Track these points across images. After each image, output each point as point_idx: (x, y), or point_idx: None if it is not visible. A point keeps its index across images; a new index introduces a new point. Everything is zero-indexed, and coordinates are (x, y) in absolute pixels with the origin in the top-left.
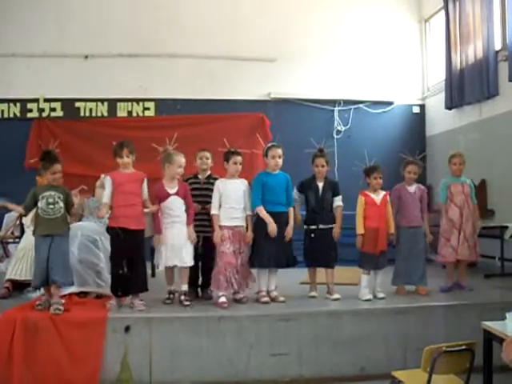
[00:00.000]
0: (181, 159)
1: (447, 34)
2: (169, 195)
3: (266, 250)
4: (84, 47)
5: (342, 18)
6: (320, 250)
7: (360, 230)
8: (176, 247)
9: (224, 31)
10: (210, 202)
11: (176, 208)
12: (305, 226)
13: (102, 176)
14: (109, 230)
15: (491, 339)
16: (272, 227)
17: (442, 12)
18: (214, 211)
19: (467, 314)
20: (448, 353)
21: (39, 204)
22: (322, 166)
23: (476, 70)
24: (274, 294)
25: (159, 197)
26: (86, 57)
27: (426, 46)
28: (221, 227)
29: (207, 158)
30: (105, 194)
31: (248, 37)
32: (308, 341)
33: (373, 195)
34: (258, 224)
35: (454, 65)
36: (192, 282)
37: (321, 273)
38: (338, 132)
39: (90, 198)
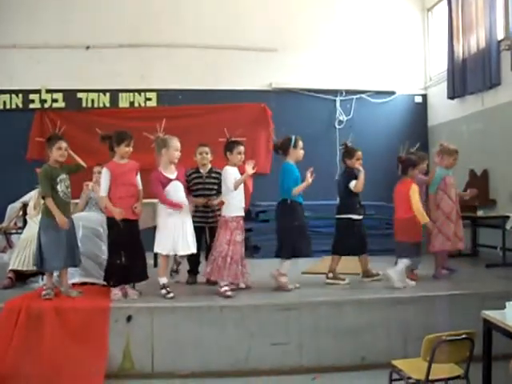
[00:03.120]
0: (177, 143)
1: (450, 23)
2: (170, 181)
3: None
4: (85, 38)
5: (344, 7)
6: (361, 238)
7: (426, 218)
8: (178, 237)
9: (225, 21)
10: (213, 195)
11: (177, 193)
12: (352, 216)
13: (96, 169)
14: (107, 220)
15: (491, 328)
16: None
17: (445, 1)
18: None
19: (468, 304)
20: (448, 342)
21: (59, 187)
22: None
23: (478, 60)
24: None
25: (163, 184)
26: (88, 47)
27: (429, 36)
28: (232, 218)
29: (207, 153)
30: (102, 187)
31: (249, 26)
32: (309, 330)
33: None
34: (287, 213)
35: (456, 54)
36: (192, 269)
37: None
38: (340, 122)
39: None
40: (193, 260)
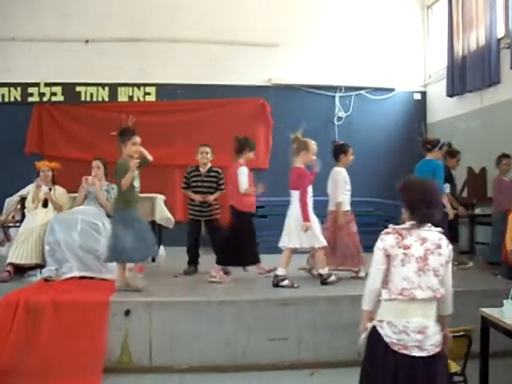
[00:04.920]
0: (315, 147)
1: (450, 20)
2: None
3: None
4: (85, 31)
5: (344, 4)
6: (453, 228)
7: None
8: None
9: (225, 16)
10: (210, 193)
11: (309, 193)
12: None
13: (95, 163)
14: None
15: (488, 326)
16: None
17: None
18: (341, 199)
19: (466, 301)
20: None
21: (135, 183)
22: None
23: (478, 58)
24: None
25: (310, 181)
26: (87, 41)
27: (428, 33)
28: (346, 212)
29: (207, 153)
30: (246, 182)
31: (250, 22)
32: (306, 326)
33: None
34: None
35: (455, 52)
36: (192, 260)
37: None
38: (339, 118)
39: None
40: (192, 251)
